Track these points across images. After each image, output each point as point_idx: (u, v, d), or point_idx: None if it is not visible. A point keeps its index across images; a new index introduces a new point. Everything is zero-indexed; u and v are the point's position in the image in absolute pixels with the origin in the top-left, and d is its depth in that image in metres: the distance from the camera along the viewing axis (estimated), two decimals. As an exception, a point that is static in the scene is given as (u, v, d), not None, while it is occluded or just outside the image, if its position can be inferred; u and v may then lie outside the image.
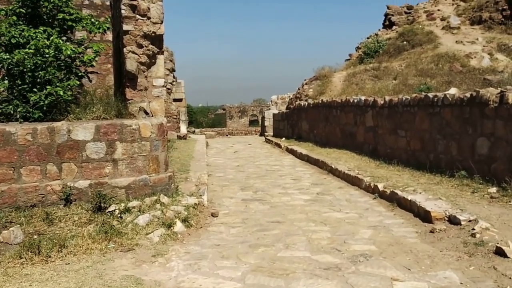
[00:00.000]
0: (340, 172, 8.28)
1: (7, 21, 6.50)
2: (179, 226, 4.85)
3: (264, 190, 7.46)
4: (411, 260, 3.93)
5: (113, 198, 5.38)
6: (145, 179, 5.72)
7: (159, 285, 3.49)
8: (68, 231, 4.71)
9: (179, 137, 15.93)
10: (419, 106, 7.85)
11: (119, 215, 5.01)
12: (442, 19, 19.47)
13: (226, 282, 3.56)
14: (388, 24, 21.49)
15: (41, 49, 5.98)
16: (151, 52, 6.71)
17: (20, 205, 5.21)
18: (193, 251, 4.31)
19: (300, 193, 7.10)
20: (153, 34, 6.68)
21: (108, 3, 10.76)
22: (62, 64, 6.29)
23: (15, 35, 6.29)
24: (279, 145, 14.87)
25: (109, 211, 5.12)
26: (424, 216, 5.05)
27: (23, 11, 6.68)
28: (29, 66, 5.94)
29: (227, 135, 27.01)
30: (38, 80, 6.00)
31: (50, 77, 6.02)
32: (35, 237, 4.55)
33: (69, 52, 6.17)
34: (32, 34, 6.30)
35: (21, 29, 6.43)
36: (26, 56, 5.92)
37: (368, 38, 20.80)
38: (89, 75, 7.06)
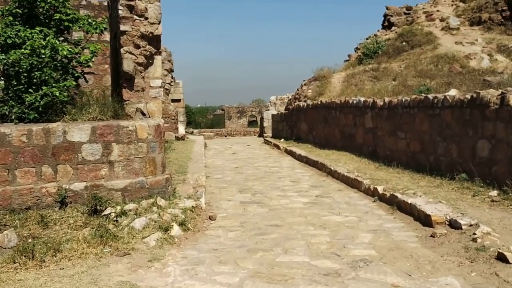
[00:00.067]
0: (340, 174, 8.22)
1: (3, 22, 6.42)
2: (176, 230, 4.77)
3: (262, 192, 7.39)
4: (411, 265, 3.87)
5: (109, 201, 5.31)
6: (141, 181, 5.65)
7: (155, 291, 3.42)
8: (63, 235, 4.63)
9: (177, 138, 15.85)
10: (419, 107, 7.79)
11: (115, 218, 4.94)
12: (442, 20, 19.44)
13: (224, 288, 3.49)
14: (387, 24, 21.46)
15: (37, 50, 5.91)
16: (148, 53, 6.66)
17: (14, 208, 5.13)
18: (190, 256, 4.23)
19: (299, 196, 7.04)
20: (150, 35, 6.62)
21: (105, 3, 10.70)
22: (58, 64, 6.22)
23: (11, 36, 6.22)
24: (277, 146, 14.80)
25: (105, 214, 5.04)
26: (425, 220, 4.99)
27: (20, 11, 6.60)
28: (25, 66, 5.87)
29: (225, 136, 26.95)
30: (34, 80, 5.93)
31: (46, 77, 5.95)
32: (30, 240, 4.47)
33: (65, 53, 6.11)
34: (28, 35, 6.23)
35: (17, 29, 6.36)
36: (22, 57, 5.86)
37: (367, 38, 20.76)
38: (85, 75, 7.00)
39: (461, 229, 4.49)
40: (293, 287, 3.48)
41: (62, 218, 5.06)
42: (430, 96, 7.62)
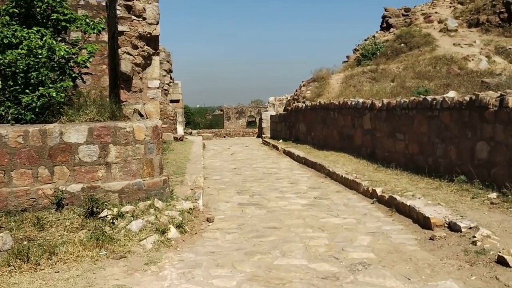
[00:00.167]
0: (338, 176, 8.19)
1: (0, 21, 6.37)
2: (173, 232, 4.73)
3: (261, 194, 7.35)
4: (411, 269, 3.83)
5: (106, 203, 5.26)
6: (139, 183, 5.60)
7: (151, 295, 3.38)
8: (59, 237, 4.58)
9: (176, 139, 15.80)
10: (418, 109, 7.77)
11: (111, 221, 4.89)
12: (440, 22, 19.46)
13: (221, 292, 3.45)
14: (386, 26, 21.47)
15: (34, 50, 5.86)
16: (146, 53, 6.61)
17: (10, 210, 5.08)
18: (187, 259, 4.19)
19: (298, 197, 7.00)
20: (148, 35, 6.58)
21: (104, 3, 10.65)
22: (55, 65, 6.17)
23: (8, 36, 6.17)
24: (276, 147, 14.77)
25: (101, 216, 5.00)
26: (424, 222, 4.96)
27: (17, 11, 6.56)
28: (21, 67, 5.82)
29: (224, 137, 26.91)
30: (31, 81, 5.88)
31: (43, 78, 5.90)
32: (25, 243, 4.42)
33: (62, 53, 6.06)
34: (25, 35, 6.19)
35: (14, 29, 6.31)
36: (19, 57, 5.81)
37: (365, 40, 20.76)
38: (83, 76, 6.95)
39: (461, 231, 4.46)
40: (291, 291, 3.44)
41: (58, 220, 5.01)
42: (429, 97, 7.60)
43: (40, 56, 5.87)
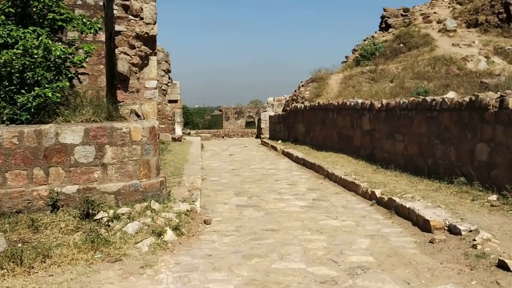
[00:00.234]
0: (337, 177, 8.14)
1: (-5, 21, 6.30)
2: (169, 235, 4.67)
3: (259, 195, 7.29)
4: (410, 273, 3.78)
5: (102, 204, 5.20)
6: (135, 185, 5.54)
7: (147, 300, 3.31)
8: (54, 239, 4.52)
9: (174, 139, 15.74)
10: (417, 110, 7.72)
11: (107, 223, 4.83)
12: (439, 22, 19.43)
13: (217, 296, 3.39)
14: (385, 26, 21.43)
15: (30, 50, 5.79)
16: (143, 53, 6.54)
17: (4, 211, 5.02)
18: (184, 262, 4.13)
19: (296, 199, 6.94)
20: (145, 35, 6.51)
21: (101, 3, 10.58)
22: (51, 65, 6.10)
23: (3, 35, 6.10)
24: (275, 148, 14.71)
25: (97, 218, 4.93)
26: (423, 225, 4.90)
27: (13, 10, 6.48)
28: (17, 67, 5.75)
29: (223, 137, 26.85)
30: (27, 81, 5.81)
31: (39, 78, 5.83)
32: (19, 245, 4.36)
33: (58, 53, 5.99)
34: (20, 34, 6.11)
35: (9, 29, 6.24)
36: (14, 57, 5.74)
37: (364, 40, 20.72)
38: (79, 76, 6.88)
39: (461, 235, 4.40)
40: (288, 296, 3.38)
41: (53, 222, 4.95)
42: (428, 98, 7.55)
43: (36, 56, 5.80)
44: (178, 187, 6.81)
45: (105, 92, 8.09)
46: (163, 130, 15.26)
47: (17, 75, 5.79)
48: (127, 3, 6.41)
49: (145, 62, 6.70)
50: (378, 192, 6.36)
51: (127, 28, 6.46)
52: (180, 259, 4.21)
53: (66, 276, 3.70)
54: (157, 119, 6.51)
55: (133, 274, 3.78)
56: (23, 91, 5.72)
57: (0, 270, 3.76)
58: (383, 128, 8.96)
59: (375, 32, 21.69)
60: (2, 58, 5.71)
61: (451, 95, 8.26)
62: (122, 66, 6.33)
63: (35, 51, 5.81)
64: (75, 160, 5.31)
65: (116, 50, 6.41)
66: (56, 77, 6.15)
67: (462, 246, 4.19)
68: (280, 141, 16.09)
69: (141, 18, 6.51)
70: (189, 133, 22.82)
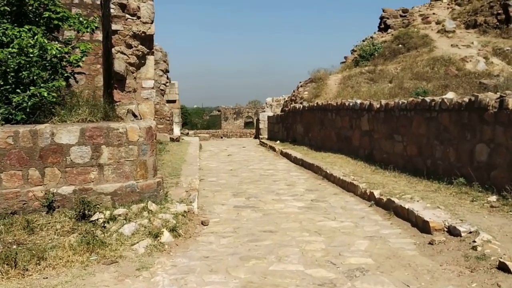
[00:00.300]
0: (335, 178, 8.09)
1: (-10, 20, 6.24)
2: (166, 236, 4.61)
3: (257, 196, 7.24)
4: (410, 275, 3.73)
5: (98, 205, 5.13)
6: (132, 185, 5.48)
7: (142, 303, 3.25)
8: (49, 241, 4.46)
9: (172, 139, 15.67)
10: (416, 110, 7.68)
11: (103, 224, 4.76)
12: (438, 23, 19.42)
13: (214, 299, 3.34)
14: (384, 27, 21.41)
15: (25, 49, 5.73)
16: (140, 53, 6.51)
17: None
18: (180, 264, 4.07)
19: (294, 200, 6.89)
20: (143, 34, 6.47)
21: (98, 2, 10.51)
22: (47, 64, 6.04)
23: (-2, 34, 6.04)
24: (273, 149, 14.66)
25: (93, 220, 4.87)
26: (422, 226, 4.86)
27: (8, 9, 6.42)
28: (12, 66, 5.69)
29: (221, 137, 26.77)
30: (22, 80, 5.75)
31: (34, 77, 5.77)
32: (14, 247, 4.29)
33: (54, 52, 5.93)
34: (16, 33, 6.05)
35: (4, 27, 6.18)
36: (10, 56, 5.67)
37: (363, 41, 20.69)
38: (76, 75, 6.81)
39: (461, 236, 4.36)
40: (286, 298, 3.33)
41: (49, 223, 4.88)
42: (428, 99, 7.52)
43: (31, 55, 5.74)
44: (176, 188, 6.75)
45: (102, 92, 8.03)
46: (161, 130, 15.19)
47: (12, 74, 5.73)
48: (124, 2, 6.37)
49: (142, 61, 6.67)
50: (377, 193, 6.32)
51: (124, 27, 6.42)
52: (176, 261, 4.15)
53: (61, 278, 3.64)
54: (154, 119, 6.47)
55: (129, 277, 3.72)
56: (18, 90, 5.66)
57: (-7, 272, 3.70)
58: (382, 128, 8.92)
59: (374, 32, 21.66)
60: (-3, 57, 5.65)
61: (450, 95, 8.23)
62: (119, 65, 6.29)
63: (31, 50, 5.76)
64: (71, 160, 5.25)
65: (113, 49, 6.38)
66: (52, 77, 6.09)
67: (462, 248, 4.14)
68: (278, 142, 16.04)
69: (138, 17, 6.47)
70: (188, 133, 22.75)
